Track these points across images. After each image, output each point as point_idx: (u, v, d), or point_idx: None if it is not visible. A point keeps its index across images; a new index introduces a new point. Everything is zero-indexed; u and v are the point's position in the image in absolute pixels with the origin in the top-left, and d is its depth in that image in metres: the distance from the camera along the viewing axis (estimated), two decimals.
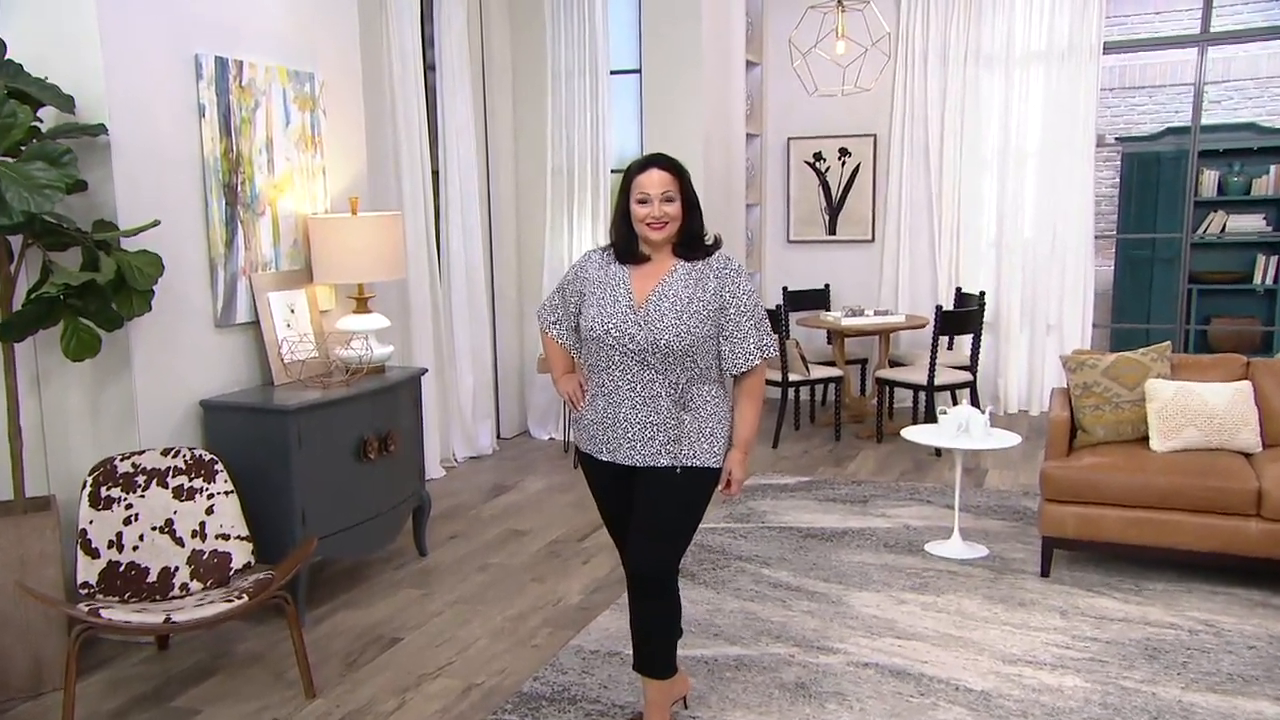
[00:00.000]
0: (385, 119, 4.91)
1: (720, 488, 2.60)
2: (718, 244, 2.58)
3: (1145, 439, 3.94)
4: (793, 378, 5.93)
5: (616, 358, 2.51)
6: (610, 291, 2.54)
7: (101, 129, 3.11)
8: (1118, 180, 8.51)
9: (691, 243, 2.54)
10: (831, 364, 6.27)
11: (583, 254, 2.66)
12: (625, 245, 2.55)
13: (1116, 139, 8.80)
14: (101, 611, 2.71)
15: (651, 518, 2.53)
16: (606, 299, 2.53)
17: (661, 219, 2.48)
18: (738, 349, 2.53)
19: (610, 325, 2.50)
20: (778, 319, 5.83)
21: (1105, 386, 3.98)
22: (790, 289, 6.76)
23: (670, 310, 2.48)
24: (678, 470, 2.52)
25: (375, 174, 4.73)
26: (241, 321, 3.70)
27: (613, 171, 6.17)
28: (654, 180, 2.49)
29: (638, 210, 2.49)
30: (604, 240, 6.18)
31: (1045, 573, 3.83)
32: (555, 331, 2.72)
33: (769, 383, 6.04)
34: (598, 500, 2.72)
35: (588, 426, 2.61)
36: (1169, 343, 4.18)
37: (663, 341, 2.46)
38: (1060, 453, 3.90)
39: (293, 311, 3.87)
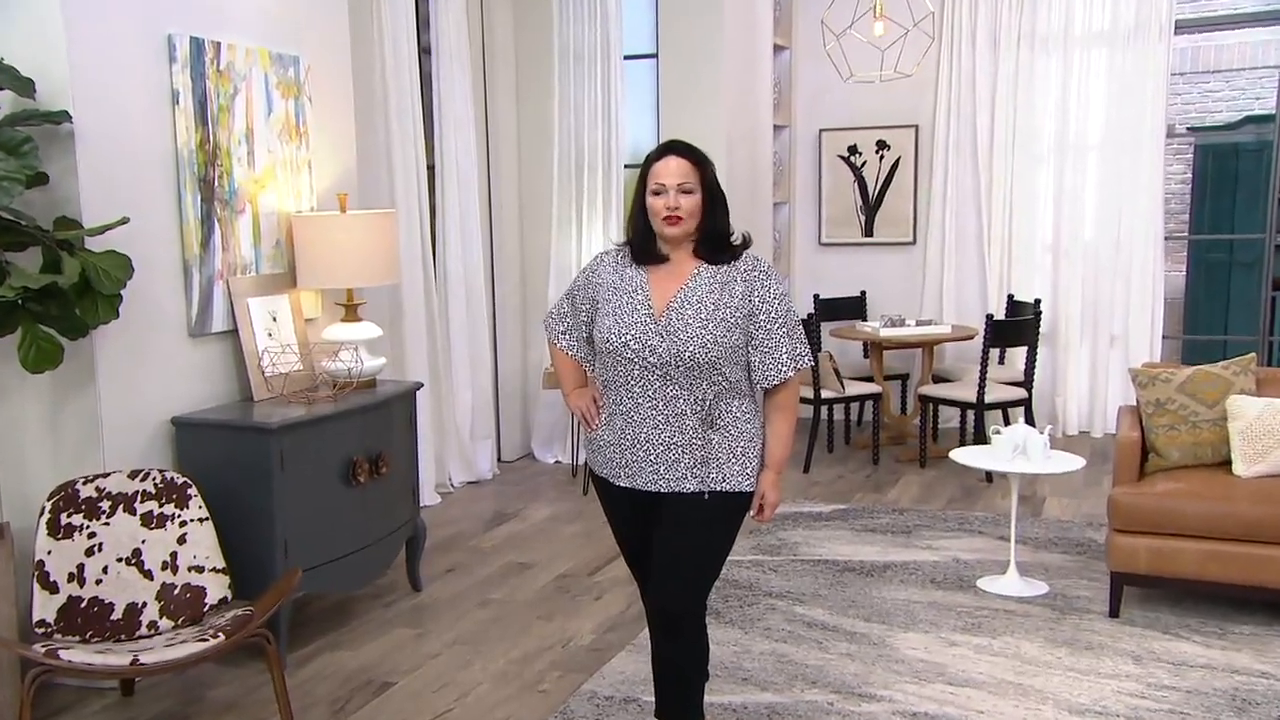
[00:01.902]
0: (377, 107, 4.92)
1: (752, 513, 2.58)
2: (746, 243, 2.56)
3: (1227, 462, 3.89)
4: (826, 395, 5.90)
5: (636, 372, 2.49)
6: (627, 298, 2.52)
7: (65, 116, 3.11)
8: (1190, 175, 8.46)
9: (715, 242, 2.51)
10: (869, 380, 6.24)
11: (594, 255, 2.65)
12: (642, 243, 2.53)
13: (1189, 129, 8.75)
14: (60, 652, 2.69)
15: (678, 549, 2.50)
16: (623, 306, 2.51)
17: (677, 212, 2.45)
18: (768, 360, 2.50)
19: (628, 336, 2.48)
20: (809, 330, 5.80)
21: (1181, 404, 3.94)
22: (822, 297, 6.74)
23: (694, 318, 2.46)
24: (706, 495, 2.50)
25: (366, 168, 4.73)
26: (218, 330, 3.69)
27: (626, 166, 6.16)
28: (671, 169, 2.46)
29: (653, 202, 2.47)
30: (618, 240, 6.18)
31: (1114, 612, 3.79)
32: (565, 343, 2.70)
33: (799, 400, 6.01)
34: (614, 530, 2.70)
35: (603, 448, 2.59)
36: (1253, 355, 4.12)
37: (687, 353, 2.44)
38: (1130, 478, 3.87)
39: (275, 319, 3.87)
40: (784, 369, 2.51)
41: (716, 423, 2.50)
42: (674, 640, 2.53)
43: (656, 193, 2.46)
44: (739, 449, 2.52)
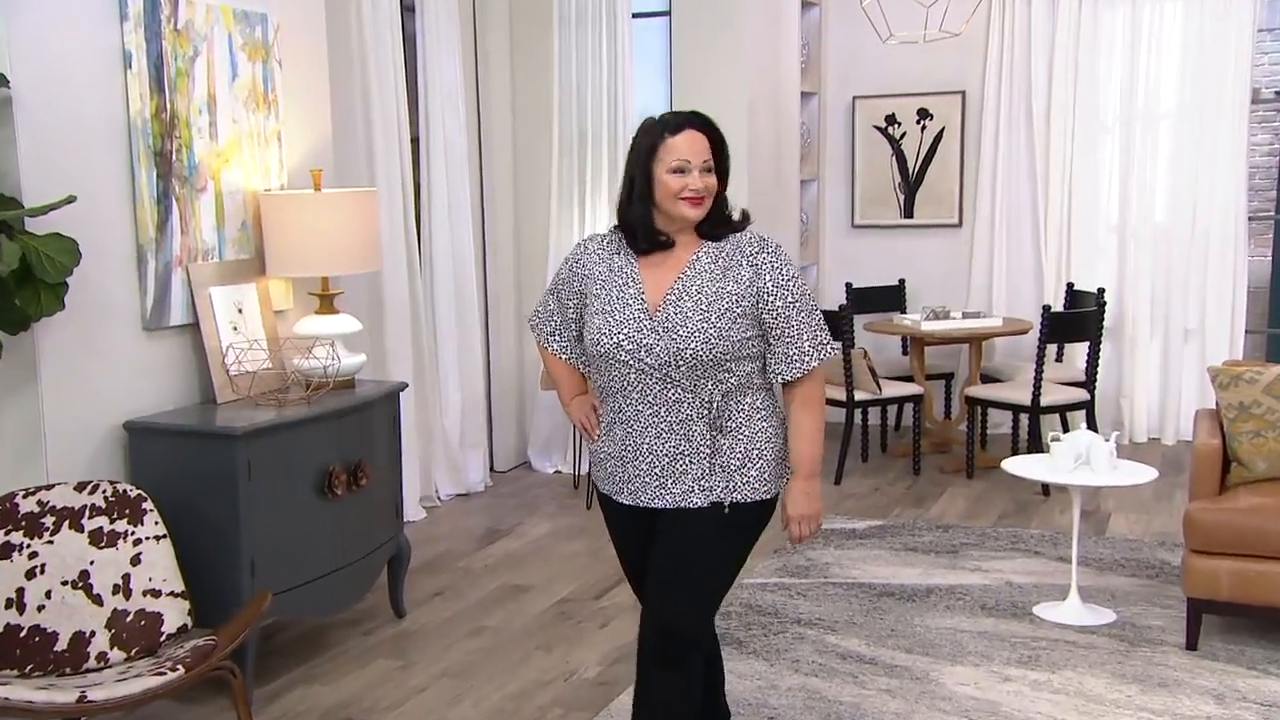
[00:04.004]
0: (354, 72, 4.91)
1: (782, 528, 2.56)
2: (746, 220, 2.56)
3: None
4: (860, 396, 5.88)
5: (632, 376, 2.48)
6: (618, 292, 2.51)
7: (1, 81, 3.10)
8: (1278, 146, 8.39)
9: (721, 220, 2.52)
10: (909, 379, 6.22)
11: (577, 244, 2.64)
12: (646, 229, 2.50)
13: (1277, 93, 8.68)
14: None
15: (680, 557, 2.51)
16: (614, 302, 2.50)
17: (703, 194, 2.45)
18: (790, 350, 2.49)
19: (620, 337, 2.46)
20: (840, 323, 5.78)
21: (1268, 407, 3.91)
22: (856, 285, 6.73)
23: (694, 311, 2.44)
24: (725, 508, 2.49)
25: (342, 141, 4.72)
26: (176, 323, 3.68)
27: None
28: (694, 144, 2.45)
29: (671, 182, 2.45)
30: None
31: (1192, 644, 3.76)
32: (556, 345, 2.70)
33: (829, 402, 6.00)
34: (618, 551, 2.69)
35: (604, 461, 2.60)
36: None
37: (688, 351, 2.43)
38: (1209, 491, 3.84)
39: (240, 311, 3.86)
40: (807, 359, 2.49)
41: (726, 425, 2.48)
42: (668, 670, 2.49)
43: (679, 170, 2.44)
44: (755, 452, 2.50)
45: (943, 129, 6.92)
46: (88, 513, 3.10)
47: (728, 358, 2.44)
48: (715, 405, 2.46)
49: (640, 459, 2.50)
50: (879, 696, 3.45)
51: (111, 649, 3.03)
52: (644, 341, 2.44)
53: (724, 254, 2.48)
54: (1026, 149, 6.71)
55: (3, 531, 2.98)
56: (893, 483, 5.97)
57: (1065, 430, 5.75)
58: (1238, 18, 6.28)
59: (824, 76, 7.15)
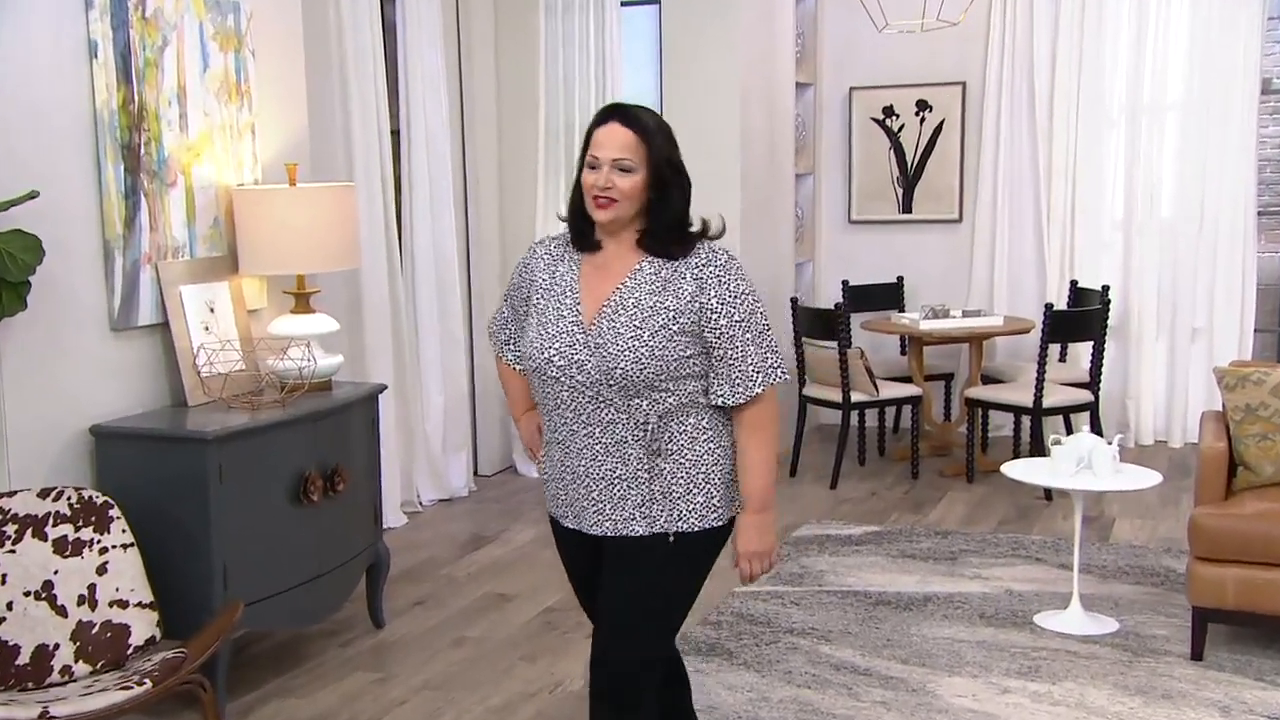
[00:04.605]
0: (332, 61, 4.90)
1: (731, 565, 2.49)
2: (705, 231, 2.42)
3: None
4: (856, 398, 5.88)
5: (565, 394, 2.41)
6: (555, 302, 2.44)
7: None
8: None
9: (664, 233, 2.38)
10: (907, 380, 6.23)
11: (531, 245, 2.58)
12: (576, 225, 2.44)
13: None
14: None
15: (622, 593, 2.45)
16: (549, 312, 2.43)
17: (608, 193, 2.33)
18: (733, 372, 2.38)
19: (551, 351, 2.39)
20: (836, 321, 5.79)
21: (1276, 410, 3.92)
22: (852, 283, 6.74)
23: (627, 327, 2.35)
24: (670, 538, 2.41)
25: (319, 134, 4.71)
26: (145, 323, 3.67)
27: None
28: (610, 139, 2.33)
29: (585, 178, 2.36)
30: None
31: (1197, 654, 3.76)
32: (511, 355, 2.66)
33: (824, 404, 6.03)
34: (568, 573, 2.65)
35: (549, 482, 2.56)
36: None
37: (618, 370, 2.34)
38: (1215, 496, 3.85)
39: (212, 311, 3.85)
40: (752, 384, 2.37)
41: (666, 448, 2.39)
42: (611, 708, 2.44)
43: (591, 166, 2.35)
44: (699, 477, 2.41)
45: (942, 121, 6.93)
46: (52, 520, 3.08)
47: (663, 377, 2.34)
48: (652, 427, 2.37)
49: (578, 482, 2.45)
50: (874, 709, 3.45)
51: (76, 662, 3.01)
52: (575, 357, 2.37)
53: (669, 266, 2.38)
54: (1029, 141, 6.72)
55: None
56: (890, 487, 5.97)
57: (1069, 432, 5.75)
58: (1247, 6, 6.29)
59: (819, 67, 7.15)
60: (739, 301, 2.36)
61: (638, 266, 2.40)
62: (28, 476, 3.30)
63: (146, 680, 2.80)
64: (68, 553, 3.09)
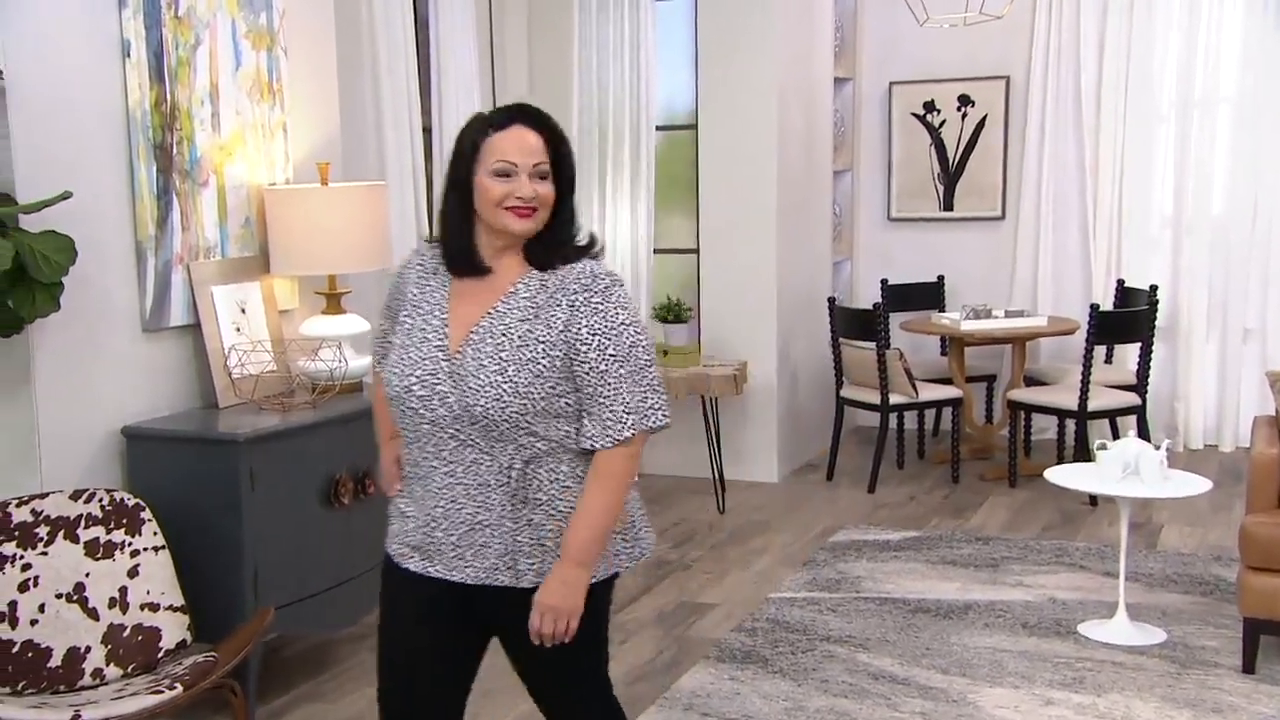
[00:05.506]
0: (364, 59, 4.91)
1: (531, 625, 2.19)
2: (591, 247, 2.23)
3: None
4: (895, 399, 5.85)
5: (425, 428, 2.19)
6: (421, 322, 2.23)
7: None
8: None
9: (556, 243, 2.20)
10: (947, 382, 6.19)
11: (408, 254, 2.35)
12: (461, 246, 2.21)
13: None
14: None
15: (532, 675, 2.32)
16: (414, 334, 2.22)
17: (532, 204, 2.15)
18: (604, 413, 2.15)
19: (412, 379, 2.18)
20: (873, 321, 5.76)
21: None
22: (891, 282, 6.70)
23: (493, 359, 2.14)
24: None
25: (351, 133, 4.73)
26: (177, 324, 3.70)
27: (658, 129, 6.14)
28: (522, 143, 2.15)
29: (493, 188, 2.14)
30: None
31: (1249, 667, 3.72)
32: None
33: (862, 406, 6.00)
34: (383, 622, 2.35)
35: (398, 518, 2.32)
36: None
37: (478, 409, 2.13)
38: (1268, 503, 3.80)
39: (244, 311, 3.87)
40: (622, 426, 2.14)
41: (534, 497, 2.18)
42: None
43: (503, 174, 2.13)
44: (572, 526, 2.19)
45: (985, 116, 6.87)
46: (83, 522, 3.12)
47: (528, 417, 2.13)
48: (517, 473, 2.16)
49: (435, 524, 2.22)
50: (912, 719, 3.43)
51: (107, 665, 3.04)
52: (437, 389, 2.16)
53: (548, 289, 2.17)
54: (1074, 137, 6.67)
55: None
56: (929, 491, 5.93)
57: (1115, 436, 5.71)
58: None
59: (859, 61, 7.11)
60: (615, 333, 2.14)
61: (513, 289, 2.19)
62: (60, 478, 3.33)
63: (178, 684, 2.83)
64: (99, 555, 3.12)
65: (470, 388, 2.14)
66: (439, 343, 2.19)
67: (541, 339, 2.14)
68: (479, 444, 2.16)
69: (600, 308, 2.15)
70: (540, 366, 2.13)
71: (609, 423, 2.15)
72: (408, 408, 2.20)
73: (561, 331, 2.15)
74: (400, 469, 2.32)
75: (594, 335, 2.14)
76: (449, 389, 2.15)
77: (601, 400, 2.15)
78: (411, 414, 2.20)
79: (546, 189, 2.17)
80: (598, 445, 2.16)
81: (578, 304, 2.15)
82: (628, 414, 2.15)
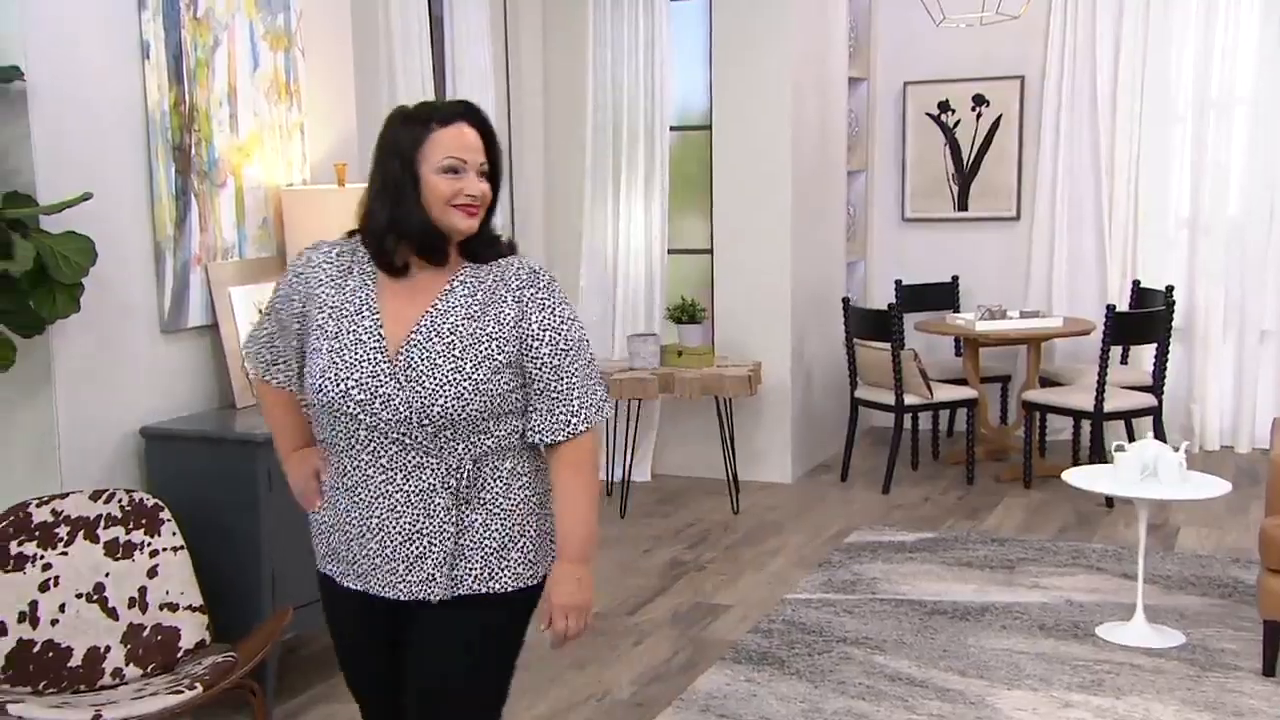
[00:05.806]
0: (380, 60, 4.93)
1: (541, 626, 2.20)
2: (511, 249, 2.22)
3: None
4: (910, 400, 5.85)
5: (362, 434, 2.11)
6: (349, 324, 2.13)
7: (15, 73, 3.14)
8: None
9: (490, 239, 2.18)
10: (962, 382, 6.18)
11: (300, 252, 2.26)
12: (426, 238, 2.12)
13: None
14: (9, 707, 2.70)
15: (431, 682, 2.19)
16: (344, 337, 2.12)
17: (479, 202, 2.12)
18: (556, 407, 2.14)
19: (349, 384, 2.09)
20: (889, 321, 5.75)
21: None
22: (906, 283, 6.70)
23: (445, 356, 2.08)
24: (491, 602, 2.15)
25: (368, 133, 4.73)
26: (195, 324, 3.71)
27: (672, 129, 6.14)
28: (468, 140, 2.11)
29: (441, 185, 2.08)
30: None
31: (1269, 670, 3.71)
32: (281, 377, 2.29)
33: (877, 406, 5.99)
34: (340, 649, 2.34)
35: (325, 533, 2.24)
36: None
37: (436, 409, 2.07)
38: None
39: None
40: (577, 419, 2.14)
41: (478, 496, 2.13)
42: None
43: (452, 170, 2.09)
44: (514, 530, 2.16)
45: (1000, 116, 6.86)
46: (103, 523, 3.13)
47: (484, 415, 2.09)
48: (465, 473, 2.11)
49: (368, 536, 2.14)
50: None
51: (127, 665, 3.06)
52: (380, 391, 2.07)
53: (485, 285, 2.13)
54: (1090, 137, 6.65)
55: (16, 542, 3.02)
56: (945, 492, 5.92)
57: (1131, 438, 5.69)
58: None
59: (873, 61, 7.11)
60: (565, 329, 2.14)
61: (449, 286, 2.14)
62: (80, 478, 3.34)
63: (197, 684, 2.85)
64: (119, 555, 3.14)
65: (426, 388, 2.07)
66: (375, 344, 2.11)
67: (494, 335, 2.11)
68: (424, 446, 2.10)
69: (546, 303, 2.14)
70: (496, 363, 2.10)
71: (560, 416, 2.15)
72: (343, 413, 2.10)
73: (513, 327, 2.12)
74: (320, 482, 2.23)
75: (544, 330, 2.13)
76: (393, 391, 2.08)
77: (554, 395, 2.14)
78: (348, 420, 2.11)
79: (487, 187, 2.14)
80: (549, 439, 2.15)
81: (525, 299, 2.13)
82: (581, 407, 2.15)
